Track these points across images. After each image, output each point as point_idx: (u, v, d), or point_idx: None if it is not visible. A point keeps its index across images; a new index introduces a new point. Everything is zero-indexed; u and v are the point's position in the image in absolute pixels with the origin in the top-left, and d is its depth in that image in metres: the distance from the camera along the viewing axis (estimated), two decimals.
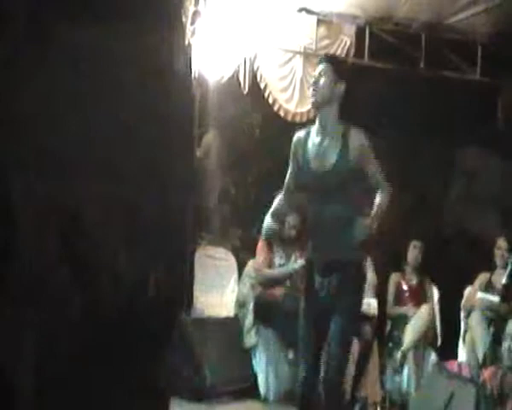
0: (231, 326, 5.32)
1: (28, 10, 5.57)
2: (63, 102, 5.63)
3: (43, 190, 5.22)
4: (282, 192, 3.66)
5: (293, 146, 3.57)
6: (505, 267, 5.37)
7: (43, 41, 5.59)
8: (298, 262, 5.16)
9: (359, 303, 3.59)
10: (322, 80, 3.44)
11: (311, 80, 3.62)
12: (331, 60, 3.59)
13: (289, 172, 3.64)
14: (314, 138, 3.46)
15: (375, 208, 3.34)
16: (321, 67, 3.50)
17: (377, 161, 3.40)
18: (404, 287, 5.89)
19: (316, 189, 3.44)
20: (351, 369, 5.17)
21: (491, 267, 5.59)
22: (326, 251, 3.43)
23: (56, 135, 5.59)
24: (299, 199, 5.03)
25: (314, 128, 3.49)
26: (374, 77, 6.05)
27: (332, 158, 3.37)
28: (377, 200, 3.36)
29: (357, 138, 3.38)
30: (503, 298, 5.19)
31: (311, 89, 3.50)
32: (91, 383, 4.83)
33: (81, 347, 5.00)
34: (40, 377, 4.64)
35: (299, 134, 3.56)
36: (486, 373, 4.08)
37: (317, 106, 3.45)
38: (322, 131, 3.44)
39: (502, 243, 5.53)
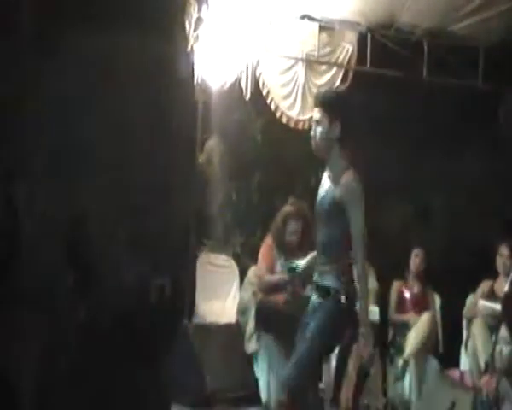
0: (233, 333, 5.32)
1: (32, 18, 5.58)
2: (67, 108, 5.65)
3: (49, 198, 5.23)
4: None
5: None
6: (508, 275, 5.36)
7: (47, 49, 5.62)
8: (299, 267, 5.15)
9: (323, 332, 3.61)
10: (318, 131, 3.66)
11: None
12: (326, 100, 3.69)
13: None
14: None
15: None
16: (316, 112, 3.70)
17: (361, 209, 3.54)
18: (406, 295, 5.89)
19: (315, 214, 3.76)
20: (352, 376, 5.16)
21: (493, 275, 5.58)
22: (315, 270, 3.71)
23: (61, 142, 5.62)
24: (303, 208, 5.09)
25: None
26: (376, 84, 6.05)
27: (324, 189, 3.68)
28: (356, 274, 3.56)
29: (347, 178, 3.58)
30: (505, 305, 5.16)
31: (311, 138, 3.71)
32: (93, 387, 4.84)
33: (83, 352, 5.01)
34: (43, 381, 4.65)
35: None
36: (483, 379, 4.08)
37: (318, 155, 3.72)
38: (328, 165, 3.72)
39: (504, 250, 5.52)
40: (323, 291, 3.59)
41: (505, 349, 3.84)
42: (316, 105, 3.72)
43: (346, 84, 5.98)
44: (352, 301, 3.61)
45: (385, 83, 6.13)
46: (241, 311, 5.39)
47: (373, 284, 5.74)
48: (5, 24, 5.16)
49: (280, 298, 5.13)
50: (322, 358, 3.87)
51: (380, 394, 5.48)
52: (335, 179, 3.62)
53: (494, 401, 3.95)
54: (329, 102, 3.68)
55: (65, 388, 4.70)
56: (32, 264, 4.84)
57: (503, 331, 3.89)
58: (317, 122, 3.67)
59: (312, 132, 3.70)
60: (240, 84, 5.86)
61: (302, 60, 6.06)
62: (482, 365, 5.13)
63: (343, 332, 3.67)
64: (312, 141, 3.69)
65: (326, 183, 3.70)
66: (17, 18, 5.35)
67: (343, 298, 3.57)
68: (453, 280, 5.86)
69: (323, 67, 6.17)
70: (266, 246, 5.27)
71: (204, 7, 5.45)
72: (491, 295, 5.44)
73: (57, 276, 5.06)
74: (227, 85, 5.82)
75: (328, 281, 3.58)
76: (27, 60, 5.36)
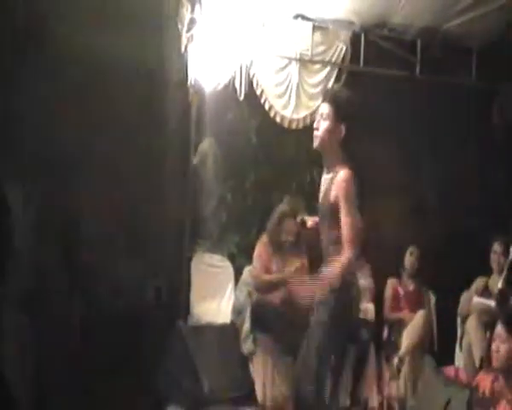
0: (228, 333, 5.32)
1: (25, 15, 5.56)
2: (59, 109, 5.63)
3: (44, 199, 5.23)
4: None
5: None
6: (501, 272, 5.39)
7: (41, 48, 5.59)
8: (294, 266, 5.17)
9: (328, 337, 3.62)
10: (322, 125, 3.65)
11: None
12: (338, 100, 3.69)
13: None
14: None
15: (335, 266, 3.54)
16: (324, 106, 3.69)
17: (352, 206, 3.57)
18: (401, 292, 5.92)
19: (319, 212, 3.81)
20: (348, 374, 5.19)
21: (487, 272, 5.60)
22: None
23: (55, 143, 5.60)
24: (299, 207, 5.10)
25: None
26: (369, 83, 6.06)
27: (324, 187, 3.72)
28: (341, 259, 3.54)
29: (341, 176, 3.61)
30: (499, 302, 5.18)
31: (314, 131, 3.70)
32: (88, 389, 4.84)
33: (79, 353, 5.01)
34: (39, 382, 4.65)
35: None
36: (479, 377, 4.10)
37: (318, 150, 3.72)
38: (326, 167, 3.75)
39: (497, 247, 5.54)
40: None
41: (502, 347, 3.85)
42: (325, 100, 3.71)
43: (340, 84, 5.99)
44: (355, 299, 3.62)
45: (378, 82, 6.15)
46: (237, 311, 5.40)
47: (368, 282, 5.77)
48: None
49: (275, 298, 5.14)
50: (339, 357, 3.81)
51: (375, 392, 5.50)
52: (332, 176, 3.65)
53: (490, 398, 3.96)
54: (340, 103, 3.67)
55: (58, 388, 4.71)
56: (25, 266, 4.84)
57: (499, 329, 3.90)
58: (323, 116, 3.66)
59: (316, 125, 3.69)
60: (234, 84, 5.87)
61: (296, 59, 6.07)
62: (477, 361, 5.17)
63: (348, 329, 3.67)
64: (314, 133, 3.69)
65: (325, 180, 3.74)
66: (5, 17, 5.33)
67: (346, 296, 3.58)
68: (448, 278, 5.88)
69: (317, 67, 6.17)
70: (261, 245, 5.28)
71: (197, 7, 5.45)
72: (485, 292, 5.46)
73: (50, 278, 5.06)
74: (221, 86, 5.82)
75: None
76: (16, 58, 5.35)
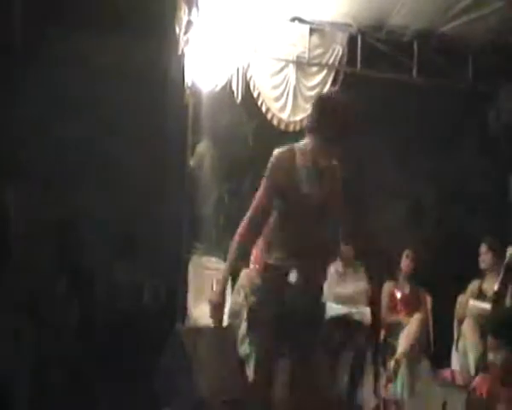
0: (225, 336, 5.32)
1: (24, 20, 5.56)
2: (57, 111, 5.63)
3: (40, 201, 5.22)
4: None
5: None
6: (491, 273, 5.40)
7: (38, 53, 5.59)
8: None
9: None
10: None
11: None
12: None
13: None
14: None
15: None
16: None
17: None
18: (398, 295, 5.92)
19: None
20: (345, 377, 5.20)
21: (481, 275, 5.60)
22: None
23: (52, 145, 5.60)
24: None
25: None
26: (366, 85, 6.07)
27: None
28: None
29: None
30: (495, 305, 5.19)
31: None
32: (84, 391, 4.84)
33: (75, 355, 5.00)
34: (36, 384, 4.65)
35: None
36: (476, 379, 4.10)
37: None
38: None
39: (482, 248, 5.54)
40: None
41: (498, 357, 3.84)
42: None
43: (337, 86, 6.00)
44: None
45: (375, 84, 6.16)
46: (234, 314, 5.40)
47: (364, 285, 5.78)
48: None
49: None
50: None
51: (372, 394, 5.51)
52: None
53: (487, 401, 3.96)
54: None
55: (56, 392, 4.71)
56: (23, 267, 4.84)
57: (490, 339, 3.90)
58: None
59: None
60: (231, 86, 5.87)
61: (293, 62, 6.08)
62: (473, 364, 5.18)
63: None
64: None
65: None
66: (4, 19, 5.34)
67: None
68: (444, 280, 5.89)
69: (314, 69, 6.19)
70: (258, 248, 5.27)
71: (194, 10, 5.45)
72: (479, 295, 5.47)
73: (47, 279, 5.06)
74: (218, 88, 5.83)
75: None
76: (17, 61, 5.35)
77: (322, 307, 3.61)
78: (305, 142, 3.49)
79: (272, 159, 3.45)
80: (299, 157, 3.43)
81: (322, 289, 3.60)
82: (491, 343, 3.82)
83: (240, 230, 3.42)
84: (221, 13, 5.72)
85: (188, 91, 5.65)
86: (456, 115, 6.36)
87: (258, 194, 3.46)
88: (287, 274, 3.38)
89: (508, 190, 6.41)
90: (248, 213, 3.44)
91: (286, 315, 3.37)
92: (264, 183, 3.45)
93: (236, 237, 3.43)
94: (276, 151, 3.49)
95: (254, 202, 3.46)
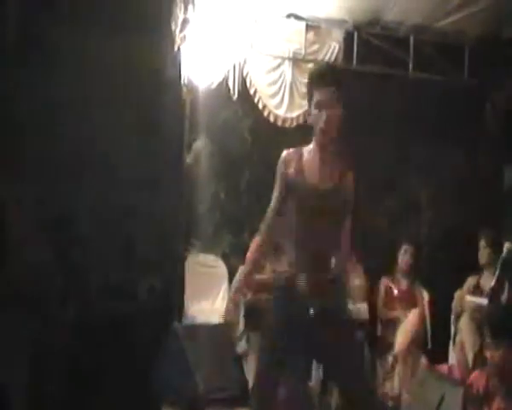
0: (222, 333, 5.33)
1: (20, 17, 5.55)
2: (53, 109, 5.61)
3: (37, 198, 5.22)
4: None
5: None
6: (488, 269, 5.41)
7: (33, 52, 5.57)
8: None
9: None
10: (334, 114, 3.36)
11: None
12: (337, 77, 3.44)
13: None
14: None
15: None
16: (325, 92, 3.38)
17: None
18: (395, 291, 5.93)
19: None
20: None
21: (479, 270, 5.61)
22: None
23: (48, 143, 5.59)
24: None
25: None
26: (362, 81, 6.07)
27: None
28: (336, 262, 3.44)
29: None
30: (491, 300, 5.20)
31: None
32: (82, 389, 4.84)
33: (72, 353, 5.00)
34: (32, 382, 4.65)
35: None
36: (473, 375, 4.11)
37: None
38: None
39: (482, 243, 5.55)
40: None
41: (495, 355, 3.85)
42: (326, 84, 3.29)
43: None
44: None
45: (371, 80, 6.16)
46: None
47: (361, 281, 5.78)
48: None
49: (269, 297, 5.14)
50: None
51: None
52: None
53: (484, 395, 3.98)
54: (339, 79, 3.35)
55: (53, 389, 4.72)
56: (19, 265, 4.84)
57: (487, 339, 3.90)
58: (331, 103, 3.27)
59: (325, 117, 3.30)
60: (227, 83, 5.88)
61: (289, 58, 6.08)
62: (470, 360, 5.19)
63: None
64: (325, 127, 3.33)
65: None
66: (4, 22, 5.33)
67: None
68: (441, 276, 5.90)
69: (310, 65, 6.18)
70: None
71: (190, 7, 5.45)
72: (476, 290, 5.48)
73: (44, 277, 5.07)
74: (214, 85, 5.83)
75: None
76: (13, 59, 5.34)
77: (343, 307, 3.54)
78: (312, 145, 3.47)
79: (280, 160, 3.48)
80: (307, 157, 3.44)
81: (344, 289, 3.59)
82: (488, 340, 3.83)
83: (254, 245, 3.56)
84: (217, 10, 5.72)
85: (184, 89, 5.65)
86: (451, 111, 6.36)
87: (273, 198, 3.50)
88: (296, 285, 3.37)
89: (503, 182, 6.42)
90: (265, 221, 3.49)
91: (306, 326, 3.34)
92: (275, 185, 3.49)
93: (251, 252, 3.54)
94: (285, 152, 3.51)
95: (270, 205, 3.51)
